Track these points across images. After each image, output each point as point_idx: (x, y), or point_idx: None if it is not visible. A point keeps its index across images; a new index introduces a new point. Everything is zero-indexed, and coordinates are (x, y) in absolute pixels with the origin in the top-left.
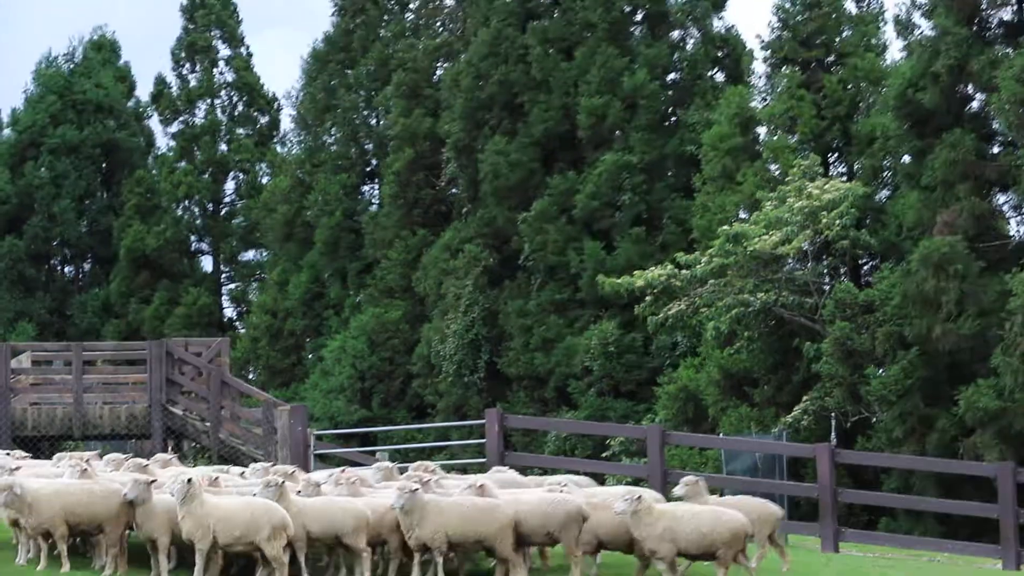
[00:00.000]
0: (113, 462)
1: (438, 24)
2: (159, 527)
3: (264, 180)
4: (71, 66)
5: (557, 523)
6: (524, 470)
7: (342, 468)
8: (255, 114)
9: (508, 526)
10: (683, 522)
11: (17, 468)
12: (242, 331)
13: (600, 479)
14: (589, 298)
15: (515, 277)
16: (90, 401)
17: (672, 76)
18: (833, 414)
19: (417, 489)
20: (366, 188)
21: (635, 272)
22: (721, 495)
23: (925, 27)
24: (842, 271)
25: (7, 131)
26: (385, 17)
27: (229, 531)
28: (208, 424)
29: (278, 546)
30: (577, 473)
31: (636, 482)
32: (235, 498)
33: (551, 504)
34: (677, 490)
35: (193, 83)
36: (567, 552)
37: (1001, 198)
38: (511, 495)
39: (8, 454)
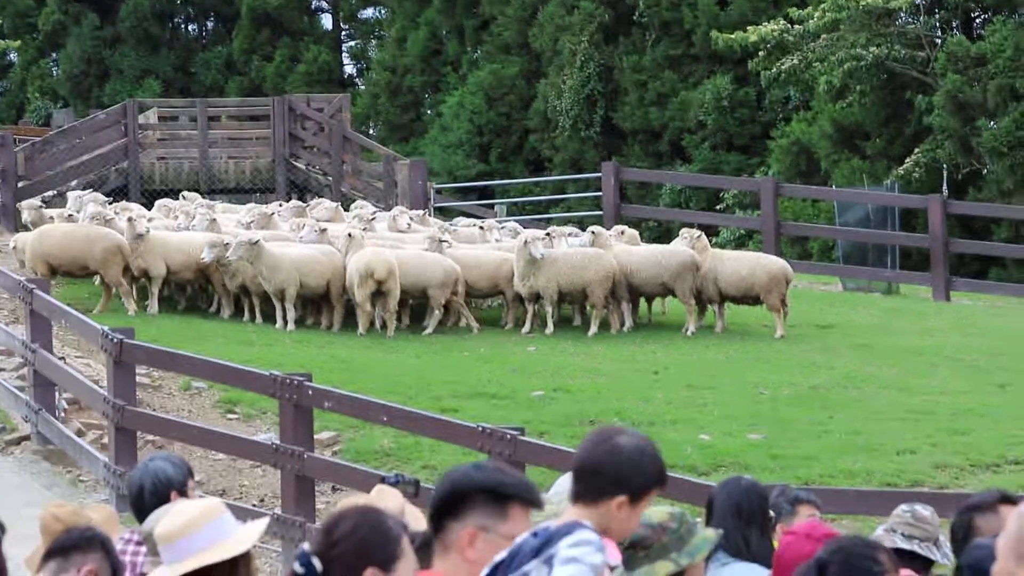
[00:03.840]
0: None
1: None
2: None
3: None
4: None
5: (671, 274)
6: (640, 223)
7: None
8: None
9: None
10: (726, 263)
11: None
12: (362, 88)
13: (714, 231)
14: (703, 53)
15: (630, 33)
16: (215, 156)
17: None
18: (944, 166)
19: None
20: None
21: (748, 27)
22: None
23: None
24: (954, 24)
25: None
26: None
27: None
28: (330, 178)
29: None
30: (691, 226)
31: (750, 235)
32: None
33: (664, 255)
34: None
35: None
36: (682, 301)
37: None
38: (622, 248)
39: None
